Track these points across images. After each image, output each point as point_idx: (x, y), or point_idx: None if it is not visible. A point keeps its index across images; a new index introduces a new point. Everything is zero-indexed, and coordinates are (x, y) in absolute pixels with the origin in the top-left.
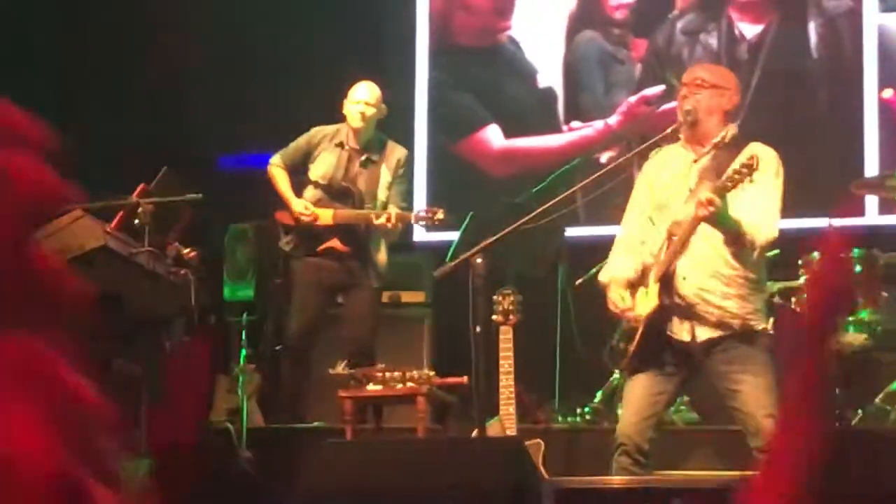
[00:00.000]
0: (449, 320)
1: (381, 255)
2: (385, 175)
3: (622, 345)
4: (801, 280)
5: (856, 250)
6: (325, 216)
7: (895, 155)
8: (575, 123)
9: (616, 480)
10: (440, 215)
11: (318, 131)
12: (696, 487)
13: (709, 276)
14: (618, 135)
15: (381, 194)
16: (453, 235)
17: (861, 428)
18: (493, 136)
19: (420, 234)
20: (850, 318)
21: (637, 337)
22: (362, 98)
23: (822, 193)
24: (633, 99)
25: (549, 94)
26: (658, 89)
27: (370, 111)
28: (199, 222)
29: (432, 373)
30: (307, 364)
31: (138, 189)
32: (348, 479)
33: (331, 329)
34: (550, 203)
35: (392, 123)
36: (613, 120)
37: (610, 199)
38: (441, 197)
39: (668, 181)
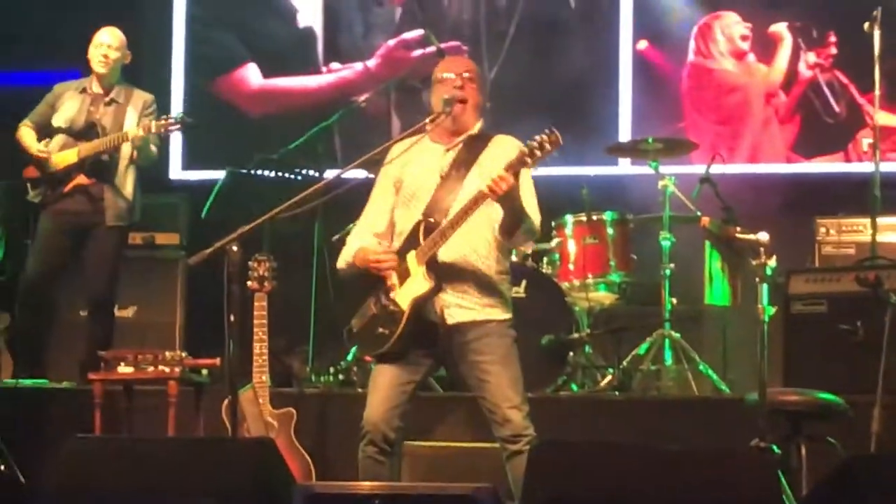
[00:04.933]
0: (205, 264)
1: (129, 189)
2: (131, 115)
3: (380, 329)
4: (554, 243)
5: (608, 213)
6: (71, 155)
7: (648, 105)
8: (334, 65)
9: (365, 486)
10: (177, 115)
11: (60, 85)
12: (448, 494)
13: (461, 262)
14: (376, 77)
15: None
16: (210, 175)
17: None
18: (251, 75)
19: (176, 173)
20: (602, 279)
21: (403, 321)
22: (105, 41)
23: (577, 145)
24: (392, 42)
25: (308, 34)
26: (416, 33)
27: (114, 55)
28: None
29: (185, 354)
30: (47, 311)
31: None
32: (95, 477)
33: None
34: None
35: (147, 61)
36: (372, 63)
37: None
38: (198, 137)
39: (417, 174)
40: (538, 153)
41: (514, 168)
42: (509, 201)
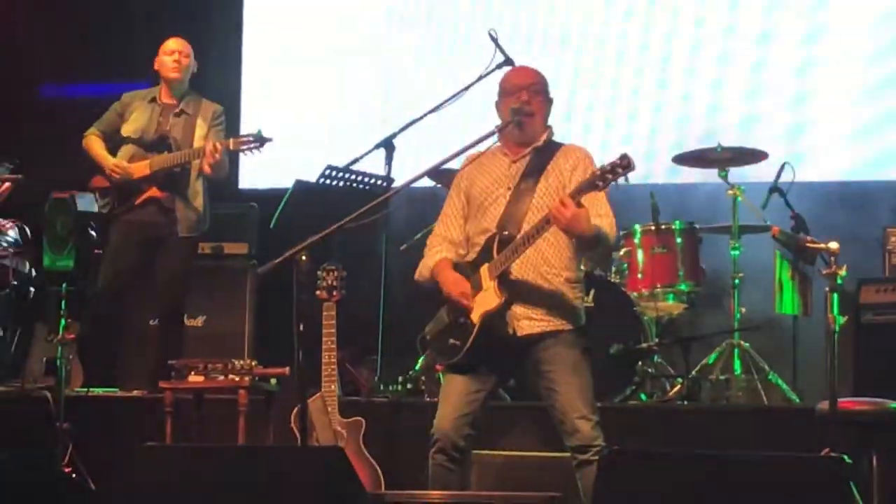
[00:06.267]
0: (273, 274)
1: (200, 200)
2: (201, 126)
3: (451, 340)
4: (622, 252)
5: (677, 223)
6: (142, 167)
7: None
8: None
9: (435, 494)
10: (255, 132)
11: (128, 94)
12: (517, 503)
13: (532, 273)
14: None
15: (198, 144)
16: (279, 184)
17: None
18: None
19: (245, 182)
20: (670, 289)
21: (474, 334)
22: (177, 48)
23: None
24: None
25: None
26: None
27: (185, 61)
28: (19, 192)
29: (254, 362)
30: (118, 321)
31: None
32: (165, 485)
33: (147, 285)
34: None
35: (216, 72)
36: None
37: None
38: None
39: (484, 186)
40: (609, 177)
41: (583, 192)
42: (575, 230)
